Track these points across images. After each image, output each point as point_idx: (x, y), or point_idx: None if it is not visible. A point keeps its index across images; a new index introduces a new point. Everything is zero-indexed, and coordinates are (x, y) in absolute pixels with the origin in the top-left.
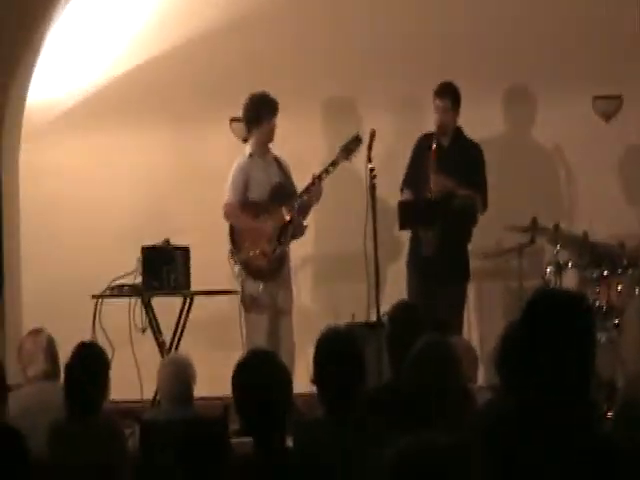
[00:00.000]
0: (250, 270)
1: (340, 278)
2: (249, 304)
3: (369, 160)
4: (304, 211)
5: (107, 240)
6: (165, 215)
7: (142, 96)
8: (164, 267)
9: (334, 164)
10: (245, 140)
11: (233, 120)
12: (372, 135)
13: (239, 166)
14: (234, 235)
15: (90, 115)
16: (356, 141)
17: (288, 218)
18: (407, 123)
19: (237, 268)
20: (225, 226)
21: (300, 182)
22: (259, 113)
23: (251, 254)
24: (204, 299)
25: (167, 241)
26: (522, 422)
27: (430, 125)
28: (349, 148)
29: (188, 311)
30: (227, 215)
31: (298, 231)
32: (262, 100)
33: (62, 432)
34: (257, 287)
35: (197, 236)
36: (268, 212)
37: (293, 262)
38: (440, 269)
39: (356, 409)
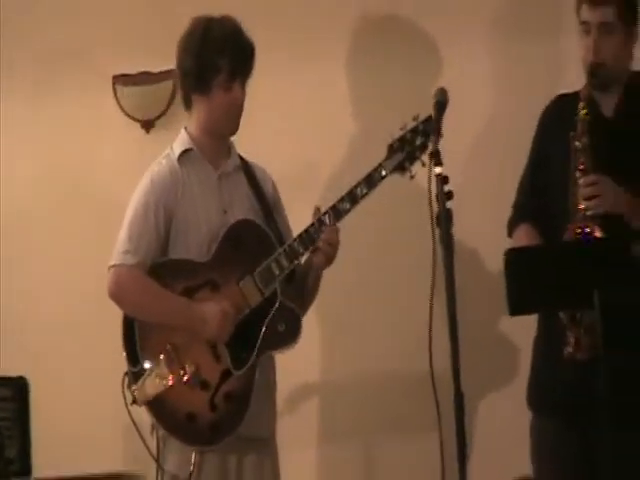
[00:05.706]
0: (174, 421)
1: None
2: None
3: (434, 159)
4: (302, 283)
5: None
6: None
7: None
8: None
9: (371, 181)
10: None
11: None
12: (439, 105)
13: (156, 181)
14: (135, 337)
15: None
16: (427, 125)
17: (252, 300)
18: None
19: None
20: (115, 317)
21: (299, 218)
22: (208, 66)
23: (169, 382)
24: None
25: None
26: None
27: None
28: (414, 144)
29: None
30: (120, 290)
31: (285, 335)
32: (214, 38)
33: None
34: (187, 458)
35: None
36: (214, 286)
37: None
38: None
39: None
